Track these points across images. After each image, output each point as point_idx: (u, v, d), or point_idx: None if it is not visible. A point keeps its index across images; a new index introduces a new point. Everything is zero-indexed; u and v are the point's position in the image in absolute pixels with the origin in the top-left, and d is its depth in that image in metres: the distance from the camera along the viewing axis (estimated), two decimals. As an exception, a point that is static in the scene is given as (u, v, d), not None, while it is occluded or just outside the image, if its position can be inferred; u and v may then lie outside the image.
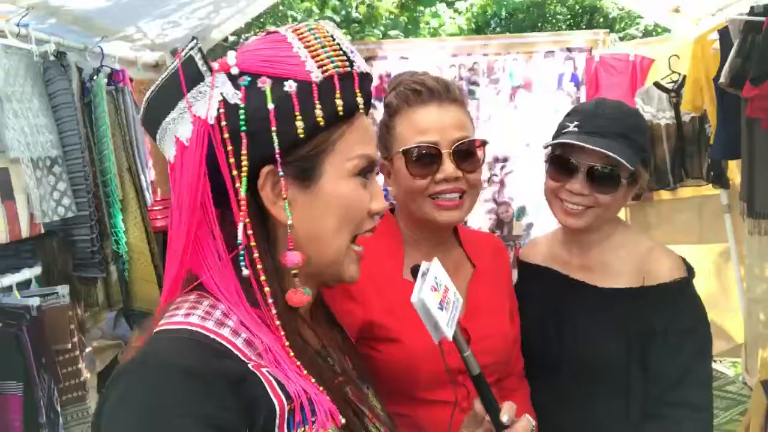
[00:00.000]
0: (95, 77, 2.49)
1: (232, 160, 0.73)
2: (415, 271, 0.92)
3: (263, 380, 0.70)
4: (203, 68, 0.73)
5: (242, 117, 0.72)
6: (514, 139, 3.92)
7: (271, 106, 0.72)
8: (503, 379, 1.31)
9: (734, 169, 3.43)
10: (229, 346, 0.71)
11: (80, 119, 2.32)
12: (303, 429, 0.70)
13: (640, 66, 3.78)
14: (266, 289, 0.75)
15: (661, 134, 3.72)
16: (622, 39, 3.97)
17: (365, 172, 0.81)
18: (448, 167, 1.17)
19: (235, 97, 0.72)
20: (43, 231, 2.28)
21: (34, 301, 2.10)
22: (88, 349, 2.35)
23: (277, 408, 0.69)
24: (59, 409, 2.13)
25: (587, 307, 1.38)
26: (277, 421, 0.69)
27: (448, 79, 1.26)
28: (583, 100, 3.82)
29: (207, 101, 0.72)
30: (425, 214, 1.20)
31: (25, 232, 2.21)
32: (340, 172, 0.78)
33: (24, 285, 2.22)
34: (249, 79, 0.73)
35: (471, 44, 3.90)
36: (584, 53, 3.80)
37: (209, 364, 0.67)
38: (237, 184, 0.73)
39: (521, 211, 4.05)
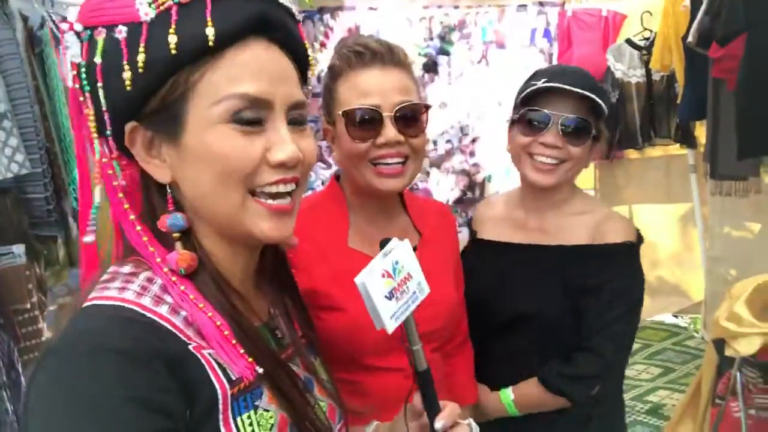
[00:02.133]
0: (44, 26, 2.38)
1: (93, 124, 0.69)
2: (383, 245, 0.85)
3: (204, 362, 0.66)
4: (58, 33, 0.71)
5: (83, 77, 0.68)
6: (485, 97, 3.88)
7: (98, 59, 0.67)
8: (445, 344, 1.32)
9: (702, 130, 3.45)
10: (168, 326, 0.66)
11: (28, 71, 2.22)
12: (248, 413, 0.67)
13: (613, 21, 3.74)
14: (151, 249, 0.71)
15: (632, 92, 3.71)
16: (595, -7, 3.90)
17: (245, 115, 0.68)
18: (390, 131, 1.15)
19: (77, 56, 0.68)
20: (-5, 188, 2.21)
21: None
22: (51, 308, 2.33)
23: (219, 392, 0.65)
24: (20, 369, 2.11)
25: (535, 265, 1.42)
26: (221, 405, 0.65)
27: (392, 42, 1.23)
28: (555, 56, 3.77)
29: (67, 63, 0.69)
30: (366, 181, 1.18)
31: (-24, 189, 2.14)
32: (205, 119, 0.67)
33: (-22, 246, 2.17)
34: (89, 33, 0.68)
35: (442, -3, 3.81)
36: (557, 7, 3.73)
37: (145, 345, 0.63)
38: (93, 147, 0.70)
39: (490, 178, 4.05)
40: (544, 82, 1.34)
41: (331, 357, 1.14)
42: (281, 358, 0.77)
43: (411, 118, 1.17)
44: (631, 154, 3.99)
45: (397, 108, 1.15)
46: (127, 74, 0.66)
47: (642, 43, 3.65)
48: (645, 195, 4.11)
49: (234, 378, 0.67)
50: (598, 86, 1.40)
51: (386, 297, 0.81)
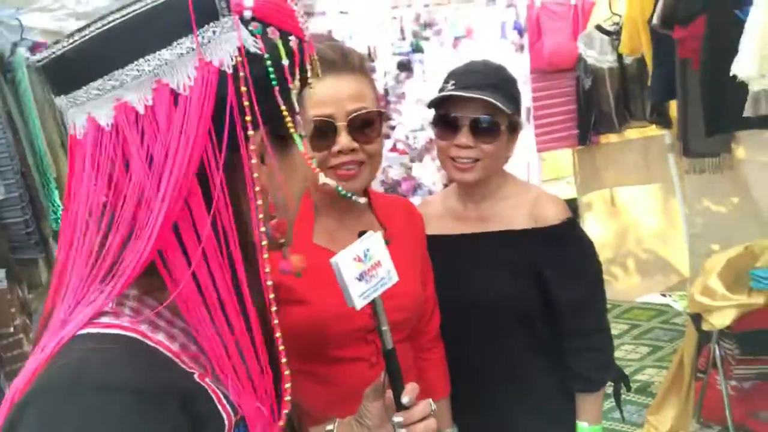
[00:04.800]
0: (15, 52, 2.40)
1: (248, 118, 0.62)
2: (360, 235, 0.97)
3: (211, 393, 0.62)
4: (221, 3, 0.61)
5: (270, 68, 0.64)
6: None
7: (285, 61, 0.65)
8: (416, 338, 1.36)
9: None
10: (170, 354, 0.61)
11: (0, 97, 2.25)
12: None
13: (582, 9, 3.78)
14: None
15: (605, 78, 3.75)
16: (562, -18, 3.94)
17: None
18: (343, 140, 1.17)
19: (255, 45, 0.63)
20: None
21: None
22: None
23: (226, 422, 0.62)
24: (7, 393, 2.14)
25: (482, 252, 1.48)
26: None
27: (348, 47, 1.26)
28: (526, 47, 3.81)
29: (222, 46, 0.61)
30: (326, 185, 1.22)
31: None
32: (303, 133, 0.72)
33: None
34: (261, 26, 0.64)
35: (411, -5, 3.85)
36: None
37: (157, 380, 0.57)
38: (250, 147, 0.62)
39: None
40: (452, 85, 1.42)
41: (293, 349, 1.17)
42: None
43: (365, 124, 1.20)
44: (609, 137, 4.03)
45: (350, 116, 1.18)
46: (298, 83, 0.67)
47: (612, 29, 3.68)
48: (625, 177, 4.15)
49: (235, 405, 0.64)
50: (504, 79, 1.47)
51: (356, 278, 0.92)
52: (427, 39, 3.89)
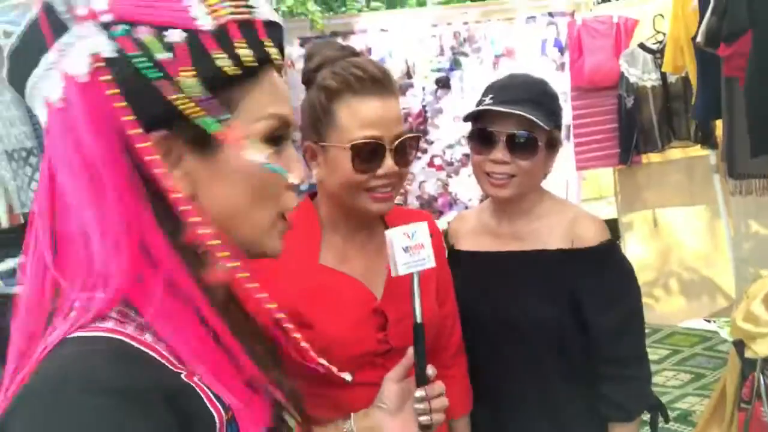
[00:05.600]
0: None
1: (129, 117, 0.60)
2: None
3: (199, 391, 0.61)
4: (66, 16, 0.61)
5: (125, 71, 0.61)
6: (500, 108, 3.90)
7: (160, 56, 0.61)
8: (437, 355, 1.33)
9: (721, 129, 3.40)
10: (156, 356, 0.61)
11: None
12: None
13: (624, 27, 3.73)
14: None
15: (648, 96, 3.69)
16: (603, 0, 3.90)
17: (278, 136, 0.69)
18: (389, 163, 1.16)
19: (111, 48, 0.61)
20: (23, 221, 2.33)
21: (19, 290, 2.16)
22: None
23: (216, 420, 0.62)
24: None
25: (518, 272, 1.43)
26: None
27: (384, 66, 1.23)
28: (567, 65, 3.77)
29: (77, 54, 0.61)
30: (360, 206, 1.19)
31: (4, 222, 2.26)
32: (245, 136, 0.66)
33: (7, 274, 2.28)
34: (126, 28, 0.61)
35: (450, 13, 3.86)
36: (566, 17, 3.74)
37: (143, 381, 0.57)
38: (146, 152, 0.61)
39: (509, 180, 4.05)
40: (490, 99, 1.38)
41: (302, 372, 1.16)
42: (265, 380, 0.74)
43: (407, 149, 1.20)
44: (651, 157, 3.94)
45: (396, 140, 1.17)
46: (192, 80, 0.62)
47: (655, 47, 3.63)
48: (668, 198, 4.05)
49: (227, 403, 0.63)
50: (544, 93, 1.42)
51: (403, 249, 1.06)
52: (466, 55, 3.89)
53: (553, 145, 1.43)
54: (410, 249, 1.06)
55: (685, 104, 3.63)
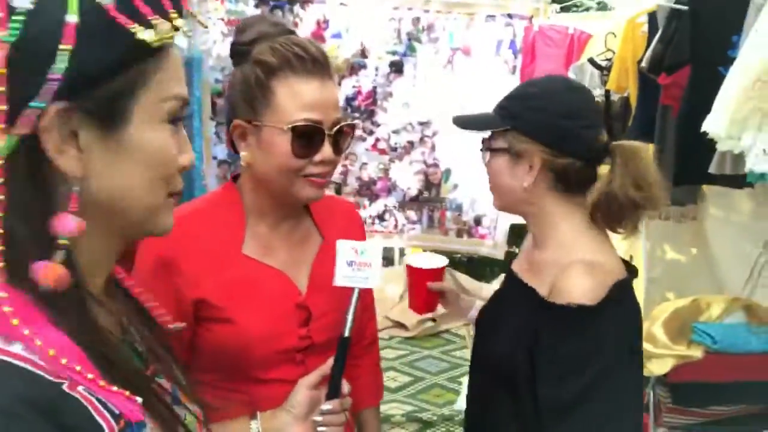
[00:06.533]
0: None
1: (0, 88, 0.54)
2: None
3: (84, 402, 0.56)
4: None
5: (31, 29, 0.54)
6: (448, 102, 3.92)
7: (73, 18, 0.55)
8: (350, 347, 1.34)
9: (652, 153, 3.53)
10: (29, 367, 0.55)
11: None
12: None
13: (578, 40, 3.81)
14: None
15: (590, 111, 3.78)
16: (563, 9, 3.95)
17: (177, 117, 0.67)
18: (327, 149, 1.12)
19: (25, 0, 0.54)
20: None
21: None
22: None
23: (106, 430, 0.57)
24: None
25: (507, 302, 1.36)
26: None
27: (322, 48, 1.18)
28: (518, 69, 3.82)
29: None
30: (292, 191, 1.14)
31: None
32: (152, 115, 0.63)
33: None
34: None
35: (413, -1, 3.84)
36: (524, 21, 3.78)
37: (7, 395, 0.52)
38: None
39: (448, 174, 4.10)
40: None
41: (217, 366, 1.14)
42: (150, 377, 0.71)
43: (343, 136, 1.16)
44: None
45: (335, 126, 1.13)
46: (114, 48, 0.58)
47: (604, 64, 3.71)
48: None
49: (117, 412, 0.59)
50: (517, 93, 1.31)
51: (347, 263, 1.09)
52: (421, 43, 3.88)
53: (514, 152, 1.25)
54: (355, 264, 1.09)
55: (624, 125, 3.74)
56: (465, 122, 1.36)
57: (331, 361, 1.07)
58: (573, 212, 1.25)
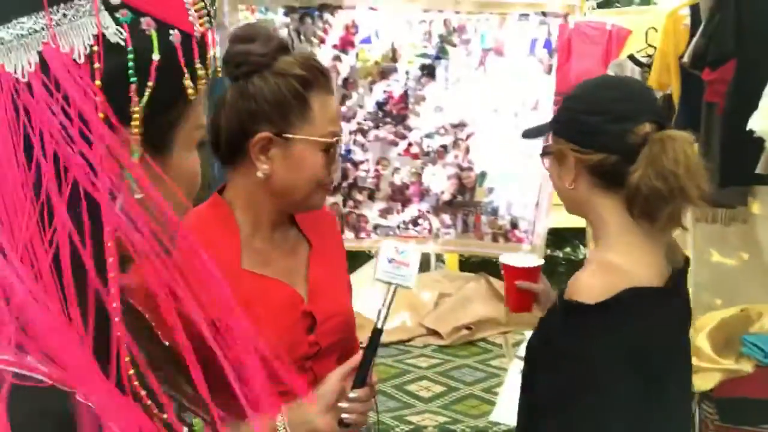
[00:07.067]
0: None
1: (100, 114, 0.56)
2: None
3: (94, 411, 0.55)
4: None
5: (131, 63, 0.58)
6: (482, 104, 3.83)
7: (156, 56, 0.59)
8: (346, 353, 1.32)
9: (697, 152, 3.37)
10: (40, 377, 0.54)
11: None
12: None
13: (617, 36, 3.68)
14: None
15: (631, 110, 3.64)
16: (601, 6, 3.82)
17: (201, 142, 0.72)
18: (338, 160, 1.22)
19: (118, 35, 0.57)
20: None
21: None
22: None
23: None
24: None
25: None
26: None
27: None
28: (554, 68, 3.71)
29: (75, 31, 0.55)
30: (310, 201, 1.21)
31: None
32: (188, 142, 0.68)
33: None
34: (131, 15, 0.58)
35: (443, 0, 3.76)
36: (559, 18, 3.66)
37: (23, 409, 0.52)
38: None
39: (482, 177, 4.00)
40: None
41: (228, 386, 1.12)
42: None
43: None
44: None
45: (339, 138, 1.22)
46: (187, 82, 0.62)
47: (645, 60, 3.57)
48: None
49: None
50: (573, 94, 1.35)
51: (387, 260, 1.16)
52: (454, 45, 3.80)
53: (555, 153, 1.31)
54: (395, 262, 1.15)
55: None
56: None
57: (360, 354, 1.14)
58: (618, 209, 1.24)
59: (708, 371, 2.07)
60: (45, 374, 0.54)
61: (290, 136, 1.14)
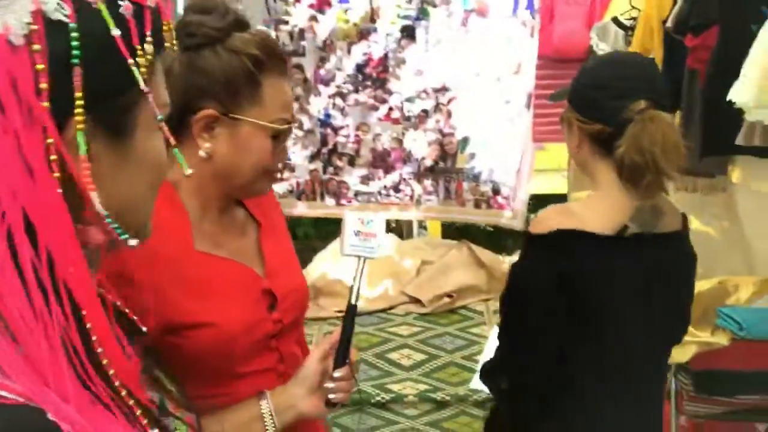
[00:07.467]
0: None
1: (45, 103, 0.52)
2: None
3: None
4: None
5: (75, 42, 0.53)
6: (463, 67, 3.74)
7: (116, 31, 0.55)
8: (300, 324, 1.33)
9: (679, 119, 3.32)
10: (11, 395, 0.52)
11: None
12: None
13: (602, -2, 3.56)
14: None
15: (614, 74, 3.56)
16: (586, -34, 3.70)
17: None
18: (287, 147, 1.18)
19: (60, 11, 0.52)
20: None
21: None
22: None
23: None
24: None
25: None
26: None
27: None
28: (537, 30, 3.61)
29: (10, 6, 0.51)
30: (254, 187, 1.16)
31: None
32: (151, 123, 0.63)
33: None
34: None
35: (423, -43, 3.63)
36: (543, -22, 3.55)
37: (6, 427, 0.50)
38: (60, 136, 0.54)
39: (464, 142, 3.94)
40: None
41: (196, 374, 1.10)
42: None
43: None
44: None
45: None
46: (141, 59, 0.58)
47: (629, 23, 3.47)
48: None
49: None
50: (584, 66, 1.56)
51: (354, 232, 1.15)
52: (434, 5, 3.69)
53: (568, 122, 1.45)
54: (361, 234, 1.14)
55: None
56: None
57: (337, 332, 1.14)
58: (610, 173, 1.39)
59: (684, 344, 2.07)
60: (12, 390, 0.50)
61: (237, 117, 1.08)
